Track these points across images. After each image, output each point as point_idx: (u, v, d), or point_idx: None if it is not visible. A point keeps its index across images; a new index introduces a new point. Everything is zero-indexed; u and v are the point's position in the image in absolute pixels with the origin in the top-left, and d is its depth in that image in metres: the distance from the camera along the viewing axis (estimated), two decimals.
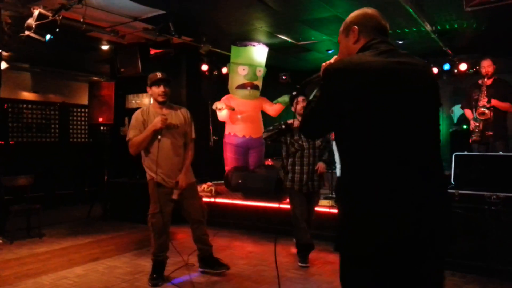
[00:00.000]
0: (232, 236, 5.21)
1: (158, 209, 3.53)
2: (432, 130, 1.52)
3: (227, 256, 4.29)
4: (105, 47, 6.24)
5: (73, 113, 8.27)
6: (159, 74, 3.57)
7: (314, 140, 3.98)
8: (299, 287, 3.48)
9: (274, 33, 6.08)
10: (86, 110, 7.63)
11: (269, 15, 5.31)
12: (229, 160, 6.64)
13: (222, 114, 6.44)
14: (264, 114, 6.84)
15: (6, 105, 7.12)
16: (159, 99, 3.58)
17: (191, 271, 3.82)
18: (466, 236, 3.64)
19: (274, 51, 6.81)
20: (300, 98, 3.99)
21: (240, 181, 5.86)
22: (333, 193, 5.35)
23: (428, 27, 5.48)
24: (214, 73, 7.31)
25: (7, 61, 6.39)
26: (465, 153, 4.39)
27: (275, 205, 5.17)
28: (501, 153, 4.60)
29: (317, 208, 4.41)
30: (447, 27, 5.61)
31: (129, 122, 3.73)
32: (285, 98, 6.54)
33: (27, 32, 4.57)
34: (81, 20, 4.76)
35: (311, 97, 1.63)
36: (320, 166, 4.02)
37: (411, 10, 4.75)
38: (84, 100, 8.05)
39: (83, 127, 8.40)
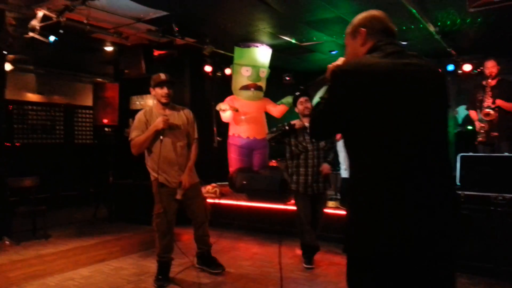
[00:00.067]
0: (237, 237, 5.22)
1: (162, 209, 3.54)
2: (441, 131, 1.52)
3: (232, 257, 4.30)
4: (108, 49, 6.25)
5: (78, 114, 8.31)
6: (162, 76, 3.57)
7: (323, 142, 3.95)
8: None
9: (277, 34, 6.08)
10: (91, 111, 7.67)
11: (272, 16, 5.31)
12: (233, 161, 6.64)
13: (226, 115, 6.44)
14: (268, 115, 6.83)
15: (11, 106, 7.16)
16: (162, 100, 3.59)
17: (197, 272, 3.82)
18: (472, 238, 3.61)
19: (277, 52, 6.81)
20: (303, 99, 3.99)
21: (244, 182, 5.86)
22: (338, 194, 5.34)
23: (432, 28, 5.47)
24: (218, 74, 7.29)
25: (11, 63, 6.43)
26: (471, 154, 4.38)
27: (279, 206, 5.17)
28: (506, 154, 4.58)
29: None
30: (450, 27, 5.59)
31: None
32: (289, 99, 6.52)
33: (31, 34, 4.59)
34: (85, 21, 4.78)
35: (317, 98, 1.64)
36: (325, 167, 3.94)
37: (414, 10, 4.73)
38: (89, 101, 8.11)
39: (88, 128, 8.43)
